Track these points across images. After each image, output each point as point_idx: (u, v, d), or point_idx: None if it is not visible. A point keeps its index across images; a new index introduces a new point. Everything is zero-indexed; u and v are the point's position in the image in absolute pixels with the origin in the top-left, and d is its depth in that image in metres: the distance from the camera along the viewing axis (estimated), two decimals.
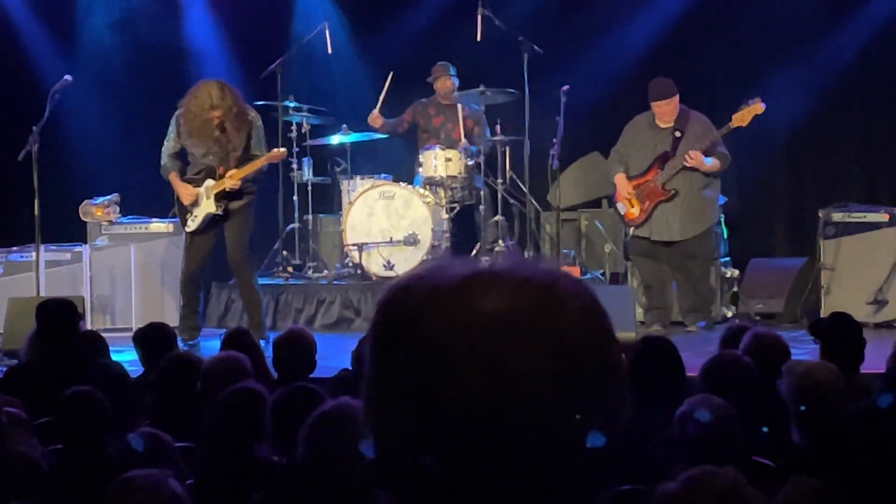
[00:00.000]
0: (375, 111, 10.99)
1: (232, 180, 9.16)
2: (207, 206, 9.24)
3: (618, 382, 1.27)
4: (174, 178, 9.32)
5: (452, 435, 1.20)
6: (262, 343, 8.96)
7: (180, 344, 9.01)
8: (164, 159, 9.38)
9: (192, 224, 9.31)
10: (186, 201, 9.27)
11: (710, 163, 9.74)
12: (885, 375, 5.37)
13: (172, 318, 9.26)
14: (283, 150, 9.64)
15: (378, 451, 1.25)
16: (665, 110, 9.86)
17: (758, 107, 9.68)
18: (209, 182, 9.22)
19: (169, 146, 9.37)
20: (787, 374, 4.61)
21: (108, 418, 4.59)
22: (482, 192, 10.91)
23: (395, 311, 1.26)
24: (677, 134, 9.86)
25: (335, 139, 11.06)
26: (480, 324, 1.21)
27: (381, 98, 10.95)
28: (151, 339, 6.36)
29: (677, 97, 9.85)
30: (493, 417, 1.19)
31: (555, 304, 1.24)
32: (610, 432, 1.24)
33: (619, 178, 9.98)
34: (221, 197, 9.22)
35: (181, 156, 9.40)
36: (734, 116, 9.70)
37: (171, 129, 9.36)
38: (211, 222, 9.28)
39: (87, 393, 4.68)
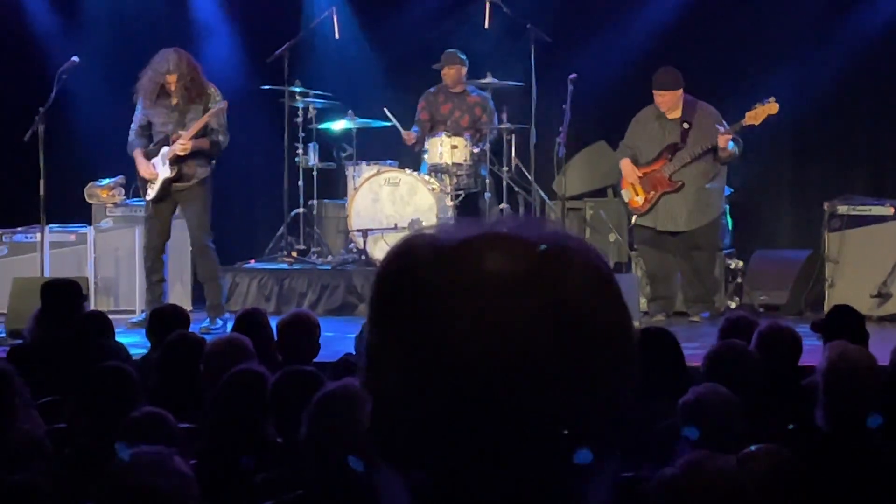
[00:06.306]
0: (404, 133, 10.89)
1: (181, 144, 9.18)
2: (163, 172, 9.31)
3: (624, 354, 1.23)
4: (137, 155, 9.41)
5: (451, 396, 1.17)
6: (218, 323, 9.04)
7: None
8: (131, 136, 9.50)
9: (152, 192, 9.37)
10: (145, 176, 9.34)
11: (732, 147, 9.75)
12: (888, 368, 5.36)
13: (176, 301, 9.26)
14: (223, 103, 9.40)
15: (376, 416, 1.23)
16: (663, 101, 9.84)
17: (772, 106, 9.64)
18: (164, 149, 9.32)
19: (137, 120, 9.47)
20: (824, 352, 4.62)
21: (136, 397, 4.55)
22: (487, 180, 10.90)
23: (396, 269, 1.24)
24: (685, 126, 9.85)
25: (341, 124, 11.05)
26: (481, 283, 1.19)
27: (396, 123, 10.87)
28: (167, 319, 6.33)
29: (680, 91, 9.83)
30: (491, 379, 1.17)
31: (559, 268, 1.20)
32: (615, 406, 1.21)
33: (626, 164, 9.97)
34: (176, 161, 9.27)
35: (146, 131, 9.48)
36: (747, 114, 9.67)
37: (139, 103, 9.46)
38: (169, 192, 9.32)
39: (121, 369, 4.66)
